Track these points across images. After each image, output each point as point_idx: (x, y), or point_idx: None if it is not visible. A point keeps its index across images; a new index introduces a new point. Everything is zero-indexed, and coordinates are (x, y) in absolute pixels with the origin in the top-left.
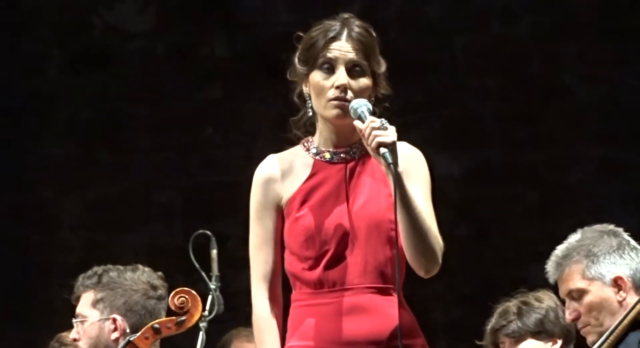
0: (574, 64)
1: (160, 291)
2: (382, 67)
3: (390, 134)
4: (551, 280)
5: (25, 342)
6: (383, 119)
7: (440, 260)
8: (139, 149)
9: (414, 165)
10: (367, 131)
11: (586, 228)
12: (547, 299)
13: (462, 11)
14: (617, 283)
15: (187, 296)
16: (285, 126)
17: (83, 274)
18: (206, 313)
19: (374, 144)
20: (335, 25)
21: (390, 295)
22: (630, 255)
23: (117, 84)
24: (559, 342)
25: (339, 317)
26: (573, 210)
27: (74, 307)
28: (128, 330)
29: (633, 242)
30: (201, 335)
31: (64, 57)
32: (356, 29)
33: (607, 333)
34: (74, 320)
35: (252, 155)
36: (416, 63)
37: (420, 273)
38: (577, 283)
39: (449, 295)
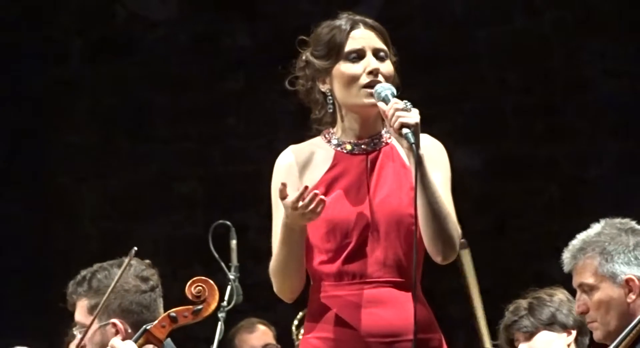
0: (596, 58)
1: (151, 282)
2: (394, 57)
3: (413, 115)
4: (565, 269)
5: (44, 330)
6: (407, 101)
7: (457, 247)
8: (160, 138)
9: (434, 156)
10: (391, 112)
11: (607, 221)
12: (558, 293)
13: (485, 5)
14: (628, 284)
15: (204, 285)
16: (306, 116)
17: (72, 280)
18: (225, 303)
19: (396, 124)
20: (342, 19)
21: (409, 289)
22: None
23: (139, 73)
24: (574, 333)
25: (358, 310)
26: (593, 204)
27: (72, 313)
28: (130, 330)
29: None
30: (220, 325)
31: (86, 46)
32: (368, 19)
33: (619, 339)
34: (74, 329)
35: (273, 146)
36: (438, 56)
37: (438, 259)
38: (589, 278)
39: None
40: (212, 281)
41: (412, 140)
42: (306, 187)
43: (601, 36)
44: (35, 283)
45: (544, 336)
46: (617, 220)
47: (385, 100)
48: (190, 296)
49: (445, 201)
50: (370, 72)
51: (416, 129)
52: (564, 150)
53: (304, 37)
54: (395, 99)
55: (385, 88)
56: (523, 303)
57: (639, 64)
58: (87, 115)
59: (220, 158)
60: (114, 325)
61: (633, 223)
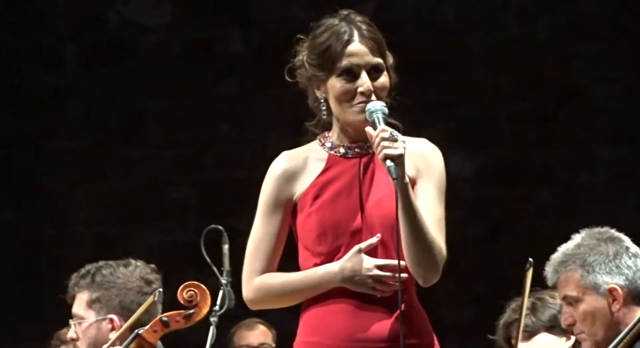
0: (589, 65)
1: (154, 286)
2: (391, 59)
3: (398, 146)
4: (549, 283)
5: (37, 335)
6: (393, 131)
7: (440, 271)
8: (153, 144)
9: (430, 165)
10: (377, 140)
11: (587, 231)
12: None
13: (478, 11)
14: (611, 293)
15: (196, 290)
16: (300, 122)
17: (76, 273)
18: (217, 308)
19: (381, 155)
20: (341, 25)
21: (403, 294)
22: (627, 264)
23: (132, 79)
24: (573, 338)
25: (351, 314)
26: (585, 211)
27: (70, 306)
28: None
29: (634, 248)
30: (212, 330)
31: (79, 52)
32: (364, 27)
33: (613, 344)
34: (71, 321)
35: (266, 152)
36: (431, 62)
37: (419, 282)
38: (572, 291)
39: (460, 293)
40: (204, 286)
41: (394, 175)
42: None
43: (594, 43)
44: (28, 288)
45: (543, 338)
46: (596, 230)
47: (375, 123)
48: (182, 301)
49: (435, 218)
50: (362, 93)
51: (400, 161)
52: (557, 156)
53: (302, 36)
54: (383, 126)
55: (377, 108)
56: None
57: (632, 70)
58: (80, 121)
59: (214, 164)
60: (111, 320)
61: (612, 231)
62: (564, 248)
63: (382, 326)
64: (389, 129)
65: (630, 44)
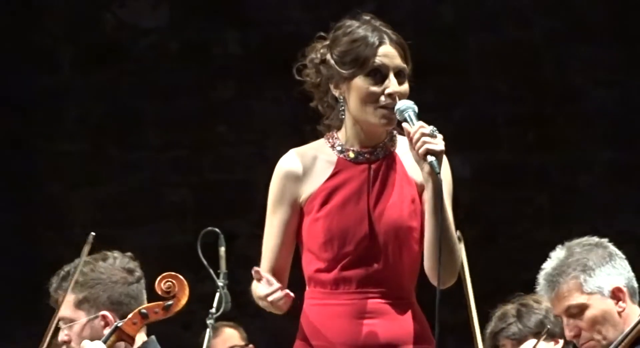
0: (586, 67)
1: (137, 273)
2: (408, 69)
3: (439, 142)
4: (548, 298)
5: (34, 339)
6: (433, 127)
7: (457, 275)
8: (151, 146)
9: (441, 172)
10: (417, 135)
11: (570, 244)
12: (544, 301)
13: (475, 13)
14: (615, 294)
15: (173, 281)
16: (298, 124)
17: (55, 276)
18: (214, 310)
19: (422, 150)
20: (365, 26)
21: (404, 301)
22: (621, 265)
23: (128, 81)
24: (561, 342)
25: (352, 320)
26: (583, 213)
27: (54, 310)
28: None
29: (619, 252)
30: (208, 333)
31: (76, 54)
32: (390, 32)
33: (615, 343)
34: (61, 324)
35: (263, 154)
36: (428, 64)
37: (435, 283)
38: (577, 298)
39: (457, 296)
40: (181, 277)
41: (437, 169)
42: (285, 291)
43: (591, 45)
44: (25, 291)
45: (531, 344)
46: (581, 239)
47: (409, 120)
48: (160, 292)
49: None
50: (389, 95)
51: (440, 157)
52: (554, 159)
53: (323, 34)
54: (421, 123)
55: (408, 106)
56: (511, 309)
57: (629, 73)
58: (77, 123)
59: (211, 166)
60: (104, 317)
61: (596, 238)
62: (554, 260)
63: (383, 333)
64: (428, 126)
65: (628, 47)
